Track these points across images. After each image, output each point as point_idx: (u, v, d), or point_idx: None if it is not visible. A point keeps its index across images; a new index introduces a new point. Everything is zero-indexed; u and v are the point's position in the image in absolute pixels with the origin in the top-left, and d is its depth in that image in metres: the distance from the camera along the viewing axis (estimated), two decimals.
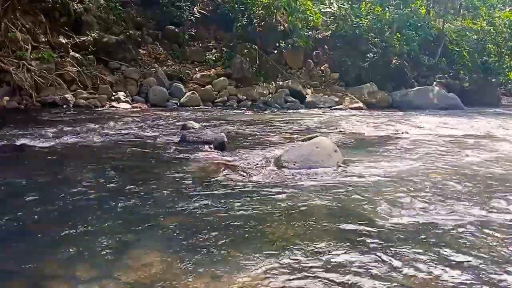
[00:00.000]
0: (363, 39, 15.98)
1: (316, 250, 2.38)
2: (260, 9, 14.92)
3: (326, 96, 14.10)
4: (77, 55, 11.40)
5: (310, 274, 2.10)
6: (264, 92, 13.63)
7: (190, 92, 12.22)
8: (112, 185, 3.58)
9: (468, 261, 2.28)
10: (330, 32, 16.48)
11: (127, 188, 3.51)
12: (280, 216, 2.92)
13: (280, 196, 3.38)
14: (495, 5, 19.72)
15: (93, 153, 4.90)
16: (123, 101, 11.01)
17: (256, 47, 14.41)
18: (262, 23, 15.17)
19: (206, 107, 11.97)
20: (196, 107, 11.64)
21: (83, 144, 5.45)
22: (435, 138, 6.85)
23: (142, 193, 3.38)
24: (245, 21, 14.54)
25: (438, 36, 17.46)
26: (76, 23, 12.23)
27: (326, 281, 2.04)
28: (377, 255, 2.32)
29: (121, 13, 13.28)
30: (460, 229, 2.73)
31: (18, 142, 5.31)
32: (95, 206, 3.04)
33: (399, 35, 15.96)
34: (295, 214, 2.97)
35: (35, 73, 10.07)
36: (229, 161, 4.60)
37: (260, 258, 2.26)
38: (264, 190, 3.52)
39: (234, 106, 12.60)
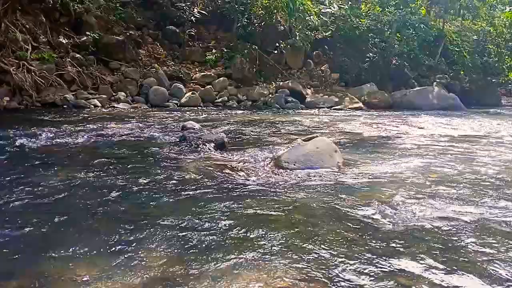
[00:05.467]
0: (363, 39, 15.99)
1: (317, 251, 2.38)
2: (260, 9, 14.93)
3: (326, 96, 14.11)
4: (77, 55, 11.43)
5: (311, 275, 2.10)
6: (264, 92, 13.64)
7: (190, 92, 12.24)
8: (112, 185, 3.58)
9: (468, 263, 2.28)
10: (330, 32, 16.50)
11: (127, 188, 3.52)
12: (280, 217, 2.92)
13: (280, 196, 3.38)
14: (495, 5, 19.74)
15: (92, 153, 4.90)
16: (123, 101, 11.04)
17: (256, 47, 14.42)
18: (262, 23, 15.19)
19: (206, 107, 11.97)
20: (196, 108, 11.64)
21: (83, 144, 5.46)
22: (435, 139, 6.85)
23: (142, 193, 3.38)
24: (245, 21, 14.56)
25: (438, 36, 17.47)
26: (76, 23, 12.26)
27: (326, 281, 2.04)
28: (377, 256, 2.32)
29: (121, 13, 13.29)
30: (461, 230, 2.73)
31: (18, 142, 5.31)
32: (94, 206, 3.04)
33: (399, 35, 15.97)
34: (295, 215, 2.98)
35: (35, 73, 10.07)
36: (229, 161, 4.60)
37: (260, 258, 2.27)
38: (264, 191, 3.53)
39: (234, 106, 12.61)
